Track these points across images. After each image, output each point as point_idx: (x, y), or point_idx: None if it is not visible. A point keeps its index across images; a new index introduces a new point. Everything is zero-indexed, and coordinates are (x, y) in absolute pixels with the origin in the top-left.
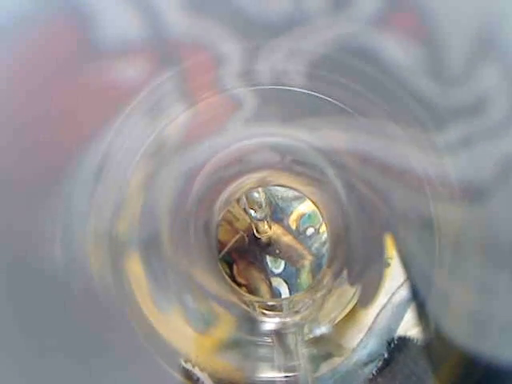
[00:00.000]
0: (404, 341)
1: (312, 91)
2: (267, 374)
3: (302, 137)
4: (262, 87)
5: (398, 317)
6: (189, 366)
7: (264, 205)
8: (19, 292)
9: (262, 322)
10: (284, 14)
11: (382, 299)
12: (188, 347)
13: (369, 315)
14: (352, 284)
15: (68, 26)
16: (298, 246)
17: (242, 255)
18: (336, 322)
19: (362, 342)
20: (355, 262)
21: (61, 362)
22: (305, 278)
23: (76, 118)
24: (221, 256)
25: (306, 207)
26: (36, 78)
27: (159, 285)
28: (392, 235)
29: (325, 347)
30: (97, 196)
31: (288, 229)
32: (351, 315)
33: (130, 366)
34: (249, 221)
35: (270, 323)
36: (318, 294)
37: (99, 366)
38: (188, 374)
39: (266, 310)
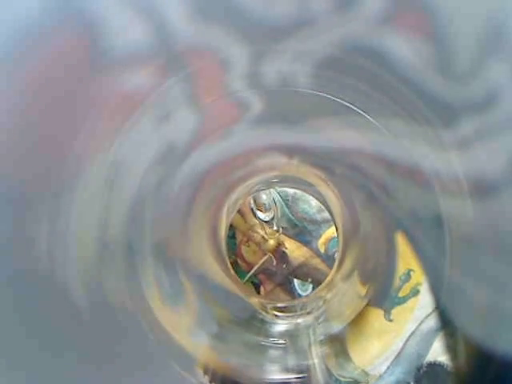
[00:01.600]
0: (433, 367)
1: (319, 92)
2: (280, 375)
3: (309, 137)
4: (269, 89)
5: (427, 344)
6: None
7: (271, 206)
8: (28, 302)
9: (274, 323)
10: (289, 16)
11: (410, 326)
12: (201, 352)
13: (397, 341)
14: (363, 283)
15: (76, 36)
16: (326, 270)
17: (269, 277)
18: (349, 321)
19: (389, 369)
20: (366, 261)
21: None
22: None
23: (85, 127)
24: (248, 277)
25: (334, 230)
26: (46, 88)
27: (170, 289)
28: (402, 233)
29: (350, 373)
30: (108, 204)
31: (316, 252)
32: (363, 314)
33: (143, 370)
34: (277, 242)
35: (282, 325)
36: (329, 295)
37: (113, 372)
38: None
39: (278, 311)
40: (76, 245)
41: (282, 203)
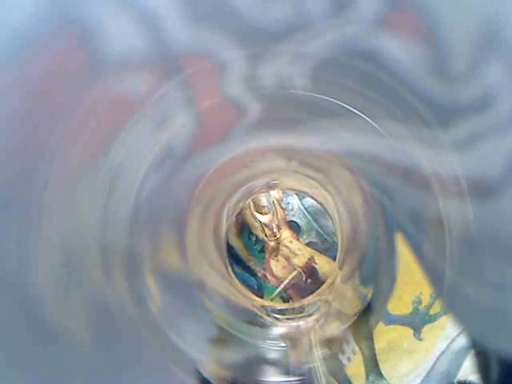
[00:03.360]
0: None
1: (316, 94)
2: (281, 378)
3: (307, 140)
4: (266, 92)
5: (457, 363)
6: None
7: (270, 208)
8: (26, 311)
9: (275, 326)
10: (285, 19)
11: (441, 344)
12: (202, 355)
13: (427, 360)
14: (364, 285)
15: (75, 42)
16: None
17: (298, 292)
18: (349, 323)
19: None
20: (366, 263)
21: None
22: None
23: (83, 133)
24: (277, 293)
25: None
26: (42, 94)
27: (172, 294)
28: (402, 234)
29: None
30: (108, 209)
31: None
32: (364, 316)
33: (142, 371)
34: (308, 256)
35: (283, 327)
36: (330, 297)
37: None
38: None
39: (279, 314)
40: (80, 254)
41: (310, 218)
